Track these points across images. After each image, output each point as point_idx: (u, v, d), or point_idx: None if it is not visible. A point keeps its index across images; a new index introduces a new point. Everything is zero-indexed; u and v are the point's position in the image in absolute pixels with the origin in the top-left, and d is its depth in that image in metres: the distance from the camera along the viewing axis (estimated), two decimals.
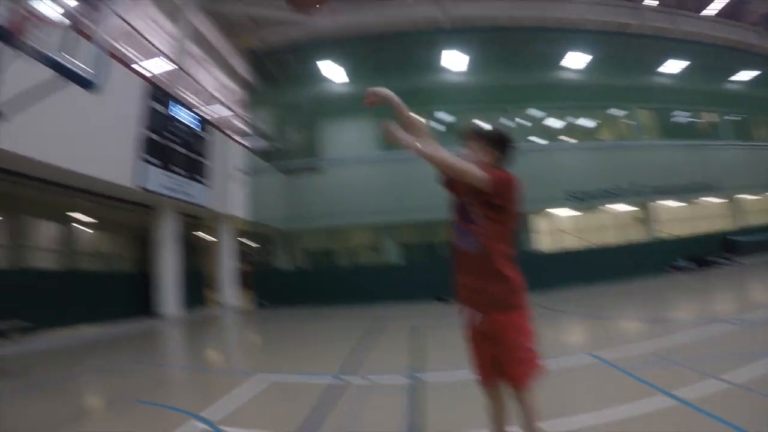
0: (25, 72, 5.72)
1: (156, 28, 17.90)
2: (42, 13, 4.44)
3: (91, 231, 13.98)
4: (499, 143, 2.25)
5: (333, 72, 19.76)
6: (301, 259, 21.50)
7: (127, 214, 14.12)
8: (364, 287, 16.43)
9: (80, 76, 5.10)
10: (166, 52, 16.22)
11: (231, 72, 21.11)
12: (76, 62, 5.06)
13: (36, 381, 5.74)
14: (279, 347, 8.64)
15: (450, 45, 19.44)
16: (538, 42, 20.61)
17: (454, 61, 19.86)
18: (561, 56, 20.80)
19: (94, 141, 9.86)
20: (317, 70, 19.85)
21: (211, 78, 21.72)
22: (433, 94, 19.60)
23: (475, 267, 2.09)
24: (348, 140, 19.84)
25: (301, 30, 19.87)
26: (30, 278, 10.68)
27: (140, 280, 13.87)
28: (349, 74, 20.01)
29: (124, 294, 13.41)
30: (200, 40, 18.93)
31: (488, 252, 2.05)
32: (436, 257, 18.59)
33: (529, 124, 21.43)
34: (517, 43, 20.47)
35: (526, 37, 20.57)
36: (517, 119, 20.67)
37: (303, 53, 19.67)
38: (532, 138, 20.88)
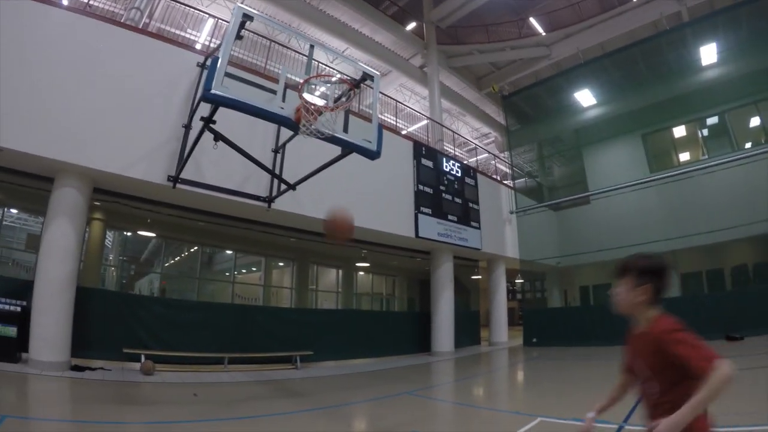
0: (314, 149, 7.36)
1: (411, 95, 20.25)
2: (319, 103, 5.49)
3: (373, 276, 16.05)
4: (653, 275, 1.90)
5: (586, 98, 18.58)
6: (573, 296, 20.01)
7: (404, 260, 15.73)
8: None
9: (363, 147, 6.08)
10: (425, 113, 18.14)
11: (486, 119, 22.04)
12: (356, 138, 6.07)
13: (319, 403, 6.72)
14: (554, 389, 8.15)
15: (701, 37, 15.96)
16: None
17: (709, 54, 16.15)
18: None
19: (376, 200, 11.70)
20: (570, 100, 18.95)
21: (469, 128, 23.14)
22: (695, 97, 16.28)
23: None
24: (614, 165, 18.05)
25: (544, 64, 19.52)
26: (316, 316, 12.91)
27: (416, 319, 15.07)
28: (603, 96, 18.50)
29: (402, 331, 14.55)
30: (452, 96, 20.54)
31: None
32: (723, 287, 15.12)
33: None
34: None
35: None
36: None
37: (552, 86, 19.03)
38: None
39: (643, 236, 16.08)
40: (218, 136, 6.25)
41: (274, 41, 12.82)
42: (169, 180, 8.09)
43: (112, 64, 8.07)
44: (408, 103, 19.49)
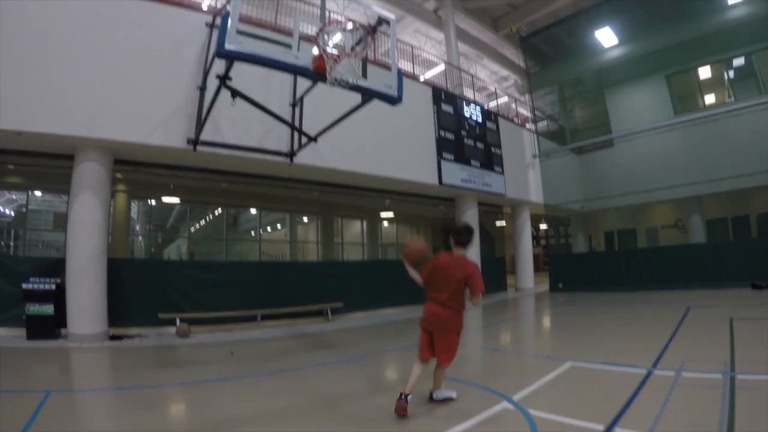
0: (331, 100, 7.18)
1: (426, 39, 19.48)
2: (337, 51, 5.26)
3: (397, 226, 16.02)
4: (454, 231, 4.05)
5: (607, 38, 17.64)
6: (598, 241, 19.82)
7: (428, 208, 15.63)
8: (665, 270, 13.94)
9: (384, 93, 5.86)
10: (442, 58, 17.49)
11: (505, 62, 21.22)
12: (376, 85, 5.85)
13: (353, 353, 6.88)
14: (582, 334, 8.07)
15: None
16: None
17: None
18: None
19: (398, 148, 11.54)
20: (591, 40, 17.99)
21: (487, 72, 22.34)
22: (721, 36, 15.31)
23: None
24: (638, 107, 17.35)
25: (563, 2, 18.38)
26: (344, 268, 13.02)
27: None
28: (625, 36, 17.48)
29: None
30: (469, 39, 19.71)
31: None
32: (749, 234, 14.62)
33: None
34: None
35: None
36: None
37: (571, 25, 18.00)
38: None
39: (667, 180, 15.83)
40: (235, 93, 6.09)
41: None
42: (188, 143, 8.03)
43: (119, 32, 7.88)
44: (424, 48, 18.74)
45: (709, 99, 16.69)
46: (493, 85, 20.23)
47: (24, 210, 14.76)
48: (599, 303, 12.12)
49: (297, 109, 9.22)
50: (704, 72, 16.71)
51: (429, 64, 18.43)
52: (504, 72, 22.65)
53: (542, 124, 19.38)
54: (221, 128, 8.45)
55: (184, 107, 8.15)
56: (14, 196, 15.41)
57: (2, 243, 15.14)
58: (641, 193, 16.58)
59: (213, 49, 7.77)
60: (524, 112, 20.75)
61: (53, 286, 7.58)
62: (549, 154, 17.37)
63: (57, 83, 7.21)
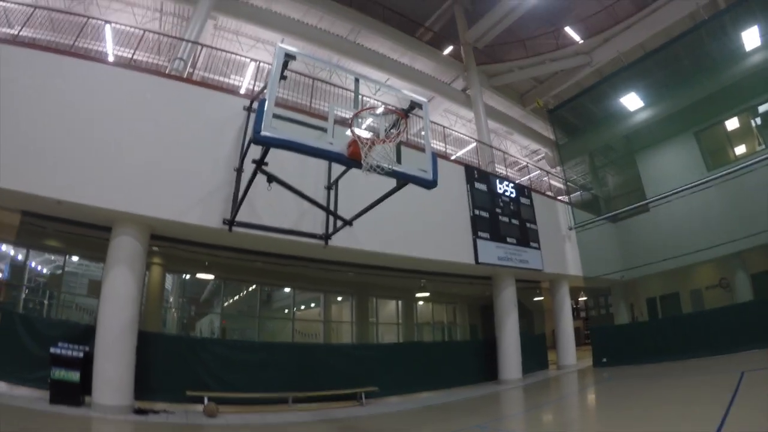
0: (366, 182, 7.05)
1: (456, 119, 19.83)
2: (371, 137, 5.17)
3: (433, 305, 15.46)
4: None
5: (633, 102, 17.55)
6: (640, 310, 18.59)
7: (464, 286, 15.09)
8: (713, 333, 12.74)
9: (419, 178, 5.70)
10: (472, 136, 17.65)
11: (534, 135, 21.28)
12: (410, 168, 5.69)
13: None
14: (630, 410, 7.19)
15: (741, 22, 14.68)
16: None
17: (752, 38, 14.80)
18: None
19: (433, 228, 11.32)
20: (616, 106, 17.91)
21: (517, 147, 22.41)
22: (743, 85, 14.95)
23: None
24: (670, 168, 16.87)
25: (586, 72, 18.77)
26: (378, 351, 12.42)
27: (481, 347, 14.25)
28: (650, 98, 17.38)
29: (466, 360, 13.69)
30: (497, 115, 19.98)
31: None
32: None
33: None
34: None
35: None
36: None
37: (596, 94, 18.12)
38: None
39: (707, 238, 14.84)
40: (271, 178, 6.02)
41: (316, 79, 12.82)
42: (224, 224, 8.00)
43: (160, 113, 8.27)
44: (454, 127, 19.07)
45: (740, 150, 16.12)
46: (524, 160, 20.13)
47: (60, 272, 14.96)
48: (647, 376, 11.10)
49: (332, 192, 9.18)
50: (732, 123, 16.29)
51: (460, 143, 18.67)
52: (534, 146, 22.69)
53: (576, 195, 18.96)
54: (257, 210, 8.41)
55: (221, 188, 8.22)
56: (52, 257, 15.67)
57: (36, 301, 15.25)
58: (681, 256, 15.48)
59: (250, 132, 7.91)
60: (557, 184, 20.46)
61: (81, 354, 7.42)
62: (584, 225, 16.77)
63: (100, 158, 7.53)
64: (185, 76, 11.02)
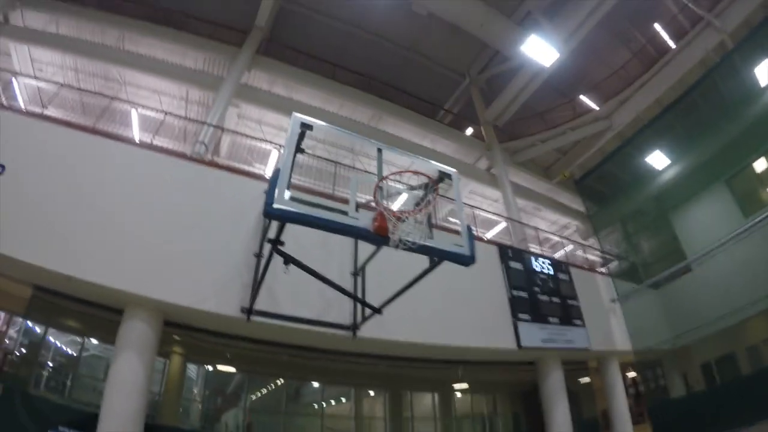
0: (395, 266, 6.39)
1: (482, 200, 19.38)
2: (398, 208, 4.58)
3: (472, 396, 14.11)
4: None
5: (659, 160, 16.91)
6: (696, 378, 16.69)
7: (505, 373, 13.83)
8: None
9: (455, 253, 5.01)
10: (502, 215, 17.04)
11: (563, 209, 20.60)
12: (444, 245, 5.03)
13: None
14: None
15: (751, 59, 14.55)
16: None
17: (765, 72, 14.49)
18: None
19: (469, 314, 10.33)
20: (643, 167, 17.27)
21: (547, 223, 21.63)
22: (765, 122, 14.45)
23: None
24: (706, 222, 15.92)
25: (608, 137, 18.50)
26: None
27: None
28: (675, 153, 16.77)
29: None
30: (524, 192, 19.48)
31: None
32: None
33: None
34: None
35: None
36: None
37: (621, 158, 17.61)
38: None
39: (756, 288, 13.54)
40: (288, 259, 5.37)
41: (338, 163, 12.66)
42: (242, 312, 7.30)
43: (179, 195, 8.01)
44: (481, 206, 18.57)
45: None
46: (555, 236, 19.29)
47: (77, 353, 14.27)
48: None
49: (359, 279, 8.42)
50: (760, 164, 15.32)
51: (488, 224, 18.09)
52: (563, 220, 21.88)
53: (614, 265, 17.84)
54: (278, 298, 7.72)
55: (240, 274, 7.60)
56: (70, 337, 15.10)
57: (49, 380, 14.34)
58: (732, 313, 14.23)
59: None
60: (593, 257, 19.41)
61: None
62: (627, 295, 15.60)
63: (114, 236, 7.19)
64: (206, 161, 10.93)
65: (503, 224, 18.09)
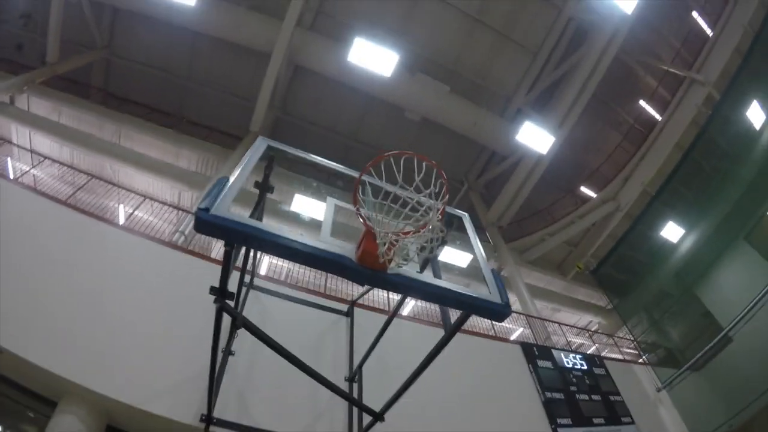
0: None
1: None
2: (395, 226, 3.18)
3: None
4: None
5: (673, 232, 16.01)
6: None
7: None
8: None
9: (484, 301, 3.41)
10: (518, 311, 15.39)
11: (582, 305, 18.92)
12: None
13: None
14: None
15: (739, 104, 14.64)
16: None
17: (757, 115, 14.66)
18: None
19: (498, 425, 8.26)
20: (658, 242, 16.29)
21: (569, 324, 19.80)
22: None
23: None
24: (735, 286, 14.58)
25: (618, 219, 17.68)
26: None
27: None
28: (688, 221, 15.93)
29: None
30: (539, 293, 17.95)
31: None
32: None
33: None
34: None
35: None
36: None
37: (634, 238, 16.66)
38: None
39: None
40: (239, 322, 3.82)
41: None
42: (201, 420, 5.47)
43: (141, 275, 6.85)
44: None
45: None
46: (579, 334, 17.35)
47: None
48: None
49: (355, 385, 6.71)
50: None
51: (505, 332, 16.32)
52: (585, 318, 19.92)
53: (649, 354, 15.87)
54: (252, 406, 5.96)
55: (203, 374, 5.84)
56: None
57: None
58: None
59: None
60: (627, 349, 17.38)
61: None
62: (671, 382, 13.64)
63: (56, 310, 5.98)
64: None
65: (520, 330, 16.29)
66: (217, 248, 13.12)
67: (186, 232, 10.37)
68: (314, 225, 13.42)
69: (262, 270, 11.61)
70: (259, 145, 3.82)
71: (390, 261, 3.03)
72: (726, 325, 13.91)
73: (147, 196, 11.67)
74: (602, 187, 17.71)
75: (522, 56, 16.89)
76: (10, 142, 14.12)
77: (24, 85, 14.38)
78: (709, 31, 16.45)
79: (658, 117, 17.04)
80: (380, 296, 10.96)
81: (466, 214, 4.61)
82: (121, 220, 11.86)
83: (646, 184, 16.29)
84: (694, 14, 16.78)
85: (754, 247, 14.69)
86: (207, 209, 2.64)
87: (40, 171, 12.59)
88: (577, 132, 16.79)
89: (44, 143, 15.26)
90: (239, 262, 5.33)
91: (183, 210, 11.58)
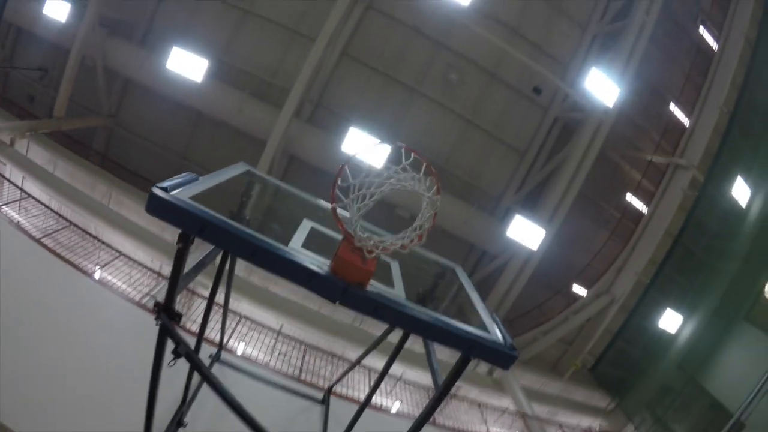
0: None
1: (485, 409, 16.53)
2: (378, 240, 2.85)
3: None
4: None
5: (671, 320, 15.51)
6: None
7: None
8: None
9: (487, 340, 3.01)
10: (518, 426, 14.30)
11: (582, 408, 17.64)
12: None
13: None
14: None
15: (723, 180, 15.02)
16: None
17: (741, 190, 15.08)
18: None
19: None
20: (656, 332, 15.86)
21: (569, 429, 18.28)
22: (761, 240, 14.44)
23: None
24: (741, 369, 14.09)
25: (613, 311, 16.77)
26: None
27: None
28: (685, 307, 15.69)
29: None
30: (535, 396, 16.77)
31: None
32: None
33: None
34: None
35: None
36: None
37: (630, 330, 16.36)
38: None
39: None
40: (182, 349, 3.27)
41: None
42: None
43: (111, 336, 6.29)
44: (486, 424, 15.59)
45: None
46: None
47: None
48: None
49: None
50: None
51: None
52: (585, 421, 18.33)
53: None
54: None
55: None
56: None
57: None
58: None
59: None
60: None
61: None
62: None
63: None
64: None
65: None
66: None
67: (158, 297, 9.75)
68: None
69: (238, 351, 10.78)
70: (239, 167, 3.62)
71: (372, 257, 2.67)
72: (734, 411, 13.13)
73: (124, 254, 11.29)
74: (594, 283, 17.32)
75: (511, 155, 17.45)
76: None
77: (27, 130, 14.68)
78: (686, 121, 17.18)
79: (644, 210, 17.20)
80: (361, 384, 10.13)
81: (459, 266, 4.38)
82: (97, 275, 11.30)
83: (640, 273, 15.97)
84: (671, 105, 17.57)
85: (755, 326, 14.41)
86: (166, 189, 2.33)
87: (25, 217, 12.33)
88: (565, 230, 16.77)
89: (34, 191, 15.07)
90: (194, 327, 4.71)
91: (161, 275, 11.07)
